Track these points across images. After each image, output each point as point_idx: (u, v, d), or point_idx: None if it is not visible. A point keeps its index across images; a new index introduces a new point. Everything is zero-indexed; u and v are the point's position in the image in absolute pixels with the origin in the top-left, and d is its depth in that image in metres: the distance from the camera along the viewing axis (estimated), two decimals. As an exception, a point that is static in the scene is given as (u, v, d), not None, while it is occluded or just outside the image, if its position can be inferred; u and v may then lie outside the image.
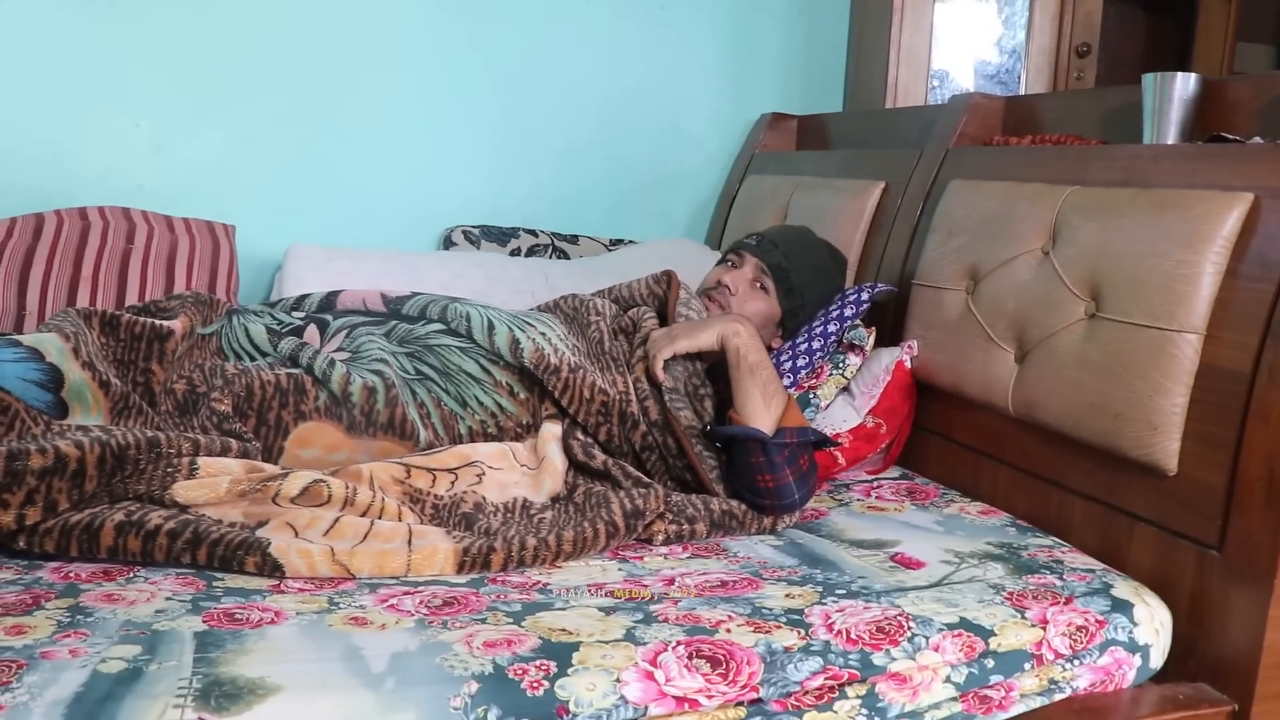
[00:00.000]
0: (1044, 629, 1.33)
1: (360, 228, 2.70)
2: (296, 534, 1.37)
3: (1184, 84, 1.66)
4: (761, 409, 1.65)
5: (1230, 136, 1.58)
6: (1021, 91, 2.83)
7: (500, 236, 2.71)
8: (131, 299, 2.20)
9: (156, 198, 2.48)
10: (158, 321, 1.65)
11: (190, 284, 2.29)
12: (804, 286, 2.02)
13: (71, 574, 1.29)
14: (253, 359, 1.71)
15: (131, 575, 1.30)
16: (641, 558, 1.49)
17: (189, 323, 1.70)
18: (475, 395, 1.71)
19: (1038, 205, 1.73)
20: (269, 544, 1.32)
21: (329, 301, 1.88)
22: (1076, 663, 1.34)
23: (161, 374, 1.62)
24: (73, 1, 2.41)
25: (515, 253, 2.68)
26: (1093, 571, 1.48)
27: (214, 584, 1.29)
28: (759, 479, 1.61)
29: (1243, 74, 2.71)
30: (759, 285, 2.02)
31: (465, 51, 2.72)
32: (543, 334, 1.76)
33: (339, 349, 1.75)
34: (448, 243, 2.69)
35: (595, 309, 1.88)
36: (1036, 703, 1.32)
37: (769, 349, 2.04)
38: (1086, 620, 1.36)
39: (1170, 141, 1.68)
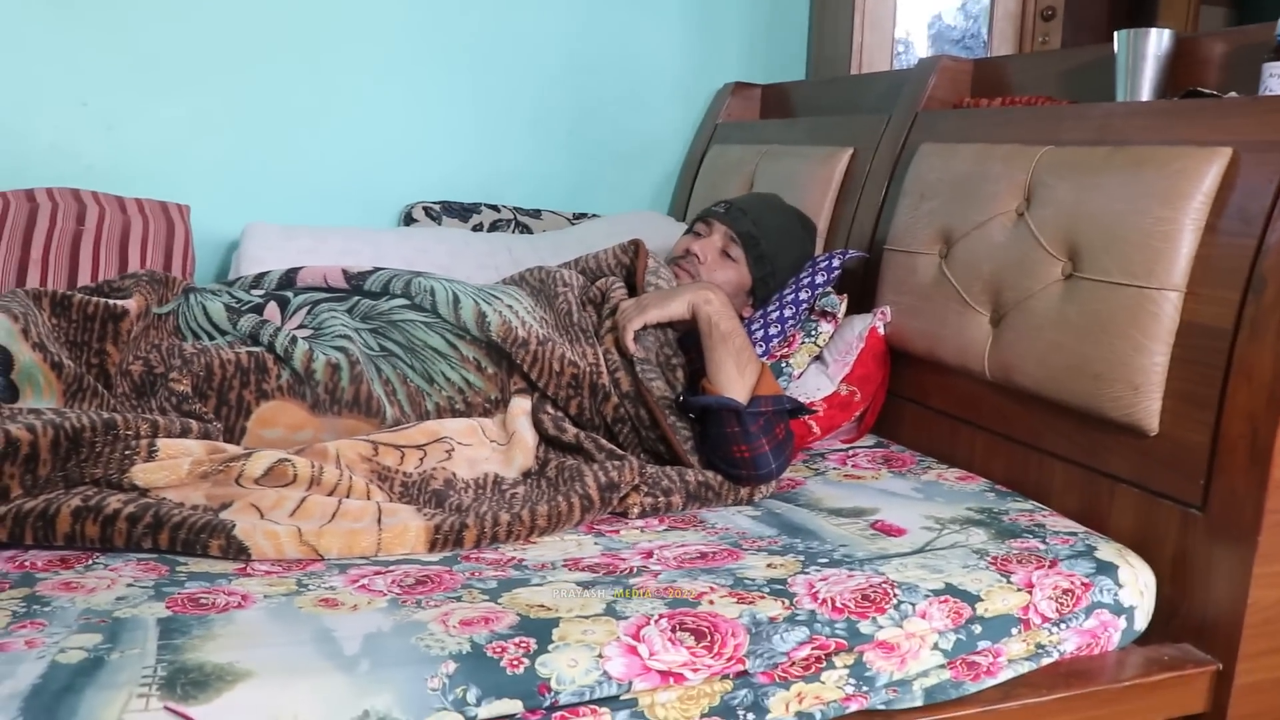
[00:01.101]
0: (1030, 593, 1.31)
1: (319, 206, 2.63)
2: (262, 515, 1.32)
3: (1157, 40, 1.64)
4: (735, 378, 1.62)
5: (1207, 91, 1.56)
6: (988, 55, 2.80)
7: (462, 212, 2.66)
8: (84, 281, 2.13)
9: (108, 178, 2.41)
10: (111, 301, 1.59)
11: (145, 265, 2.22)
12: (774, 253, 1.99)
13: (27, 563, 1.24)
14: (211, 338, 1.66)
15: (90, 562, 1.25)
16: (618, 531, 1.46)
17: (144, 302, 1.64)
18: (442, 371, 1.67)
19: (1011, 166, 1.71)
20: (234, 526, 1.27)
21: (289, 279, 1.83)
22: (1063, 626, 1.32)
23: (116, 355, 1.56)
24: (15, -24, 2.33)
25: (478, 228, 2.63)
26: (1075, 534, 1.46)
27: (177, 569, 1.24)
28: (734, 449, 1.58)
29: (1213, 30, 2.71)
30: (728, 254, 1.99)
31: (424, 25, 2.66)
32: (509, 306, 1.71)
33: (300, 326, 1.70)
34: (408, 219, 2.64)
35: (562, 280, 1.84)
36: (1024, 668, 1.30)
37: (741, 318, 2.01)
38: (1072, 583, 1.34)
39: (1144, 99, 1.66)
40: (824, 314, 1.95)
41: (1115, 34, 1.69)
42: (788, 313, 1.94)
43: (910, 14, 2.79)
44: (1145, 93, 1.65)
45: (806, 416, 1.79)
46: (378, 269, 1.85)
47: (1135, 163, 1.51)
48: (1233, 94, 1.53)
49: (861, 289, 2.04)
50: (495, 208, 2.69)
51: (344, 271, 1.84)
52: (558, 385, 1.66)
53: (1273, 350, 1.30)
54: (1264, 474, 1.30)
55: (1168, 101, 1.60)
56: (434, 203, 2.66)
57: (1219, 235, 1.40)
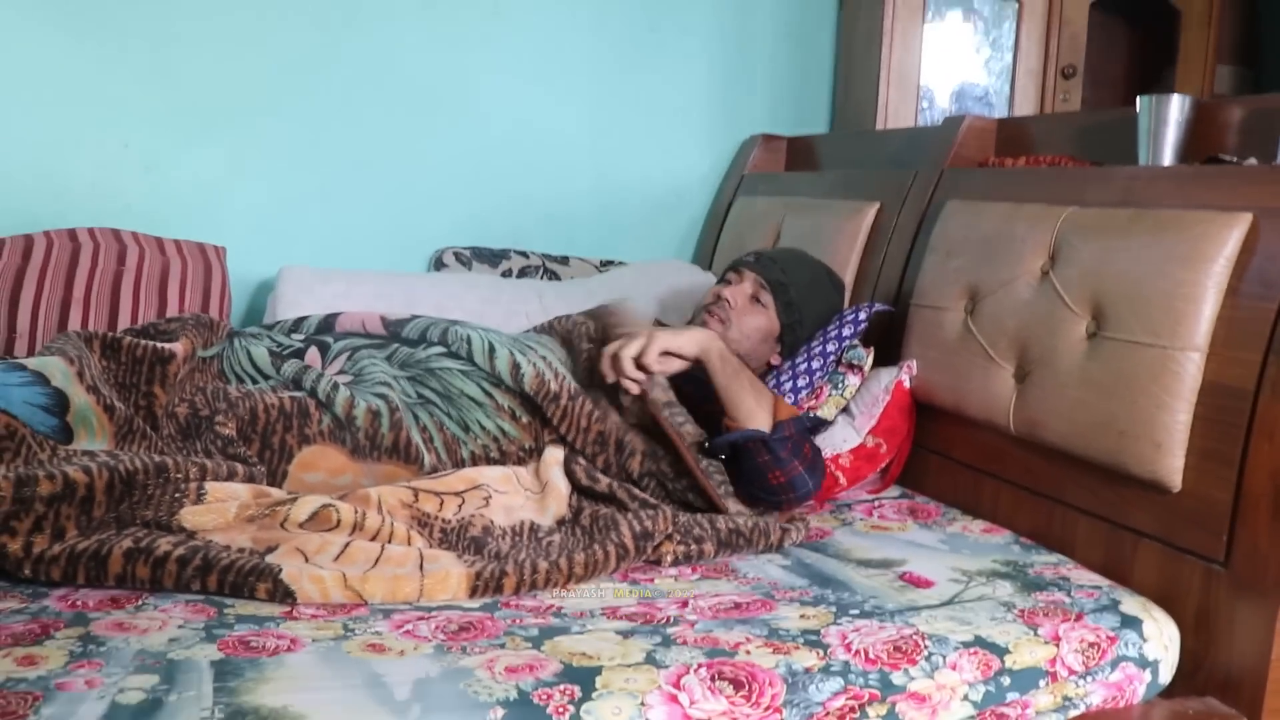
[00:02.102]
0: (1057, 646, 1.33)
1: (350, 249, 2.68)
2: (307, 559, 1.36)
3: (1179, 106, 1.68)
4: (755, 409, 1.68)
5: (1227, 158, 1.60)
6: (1009, 113, 2.86)
7: (491, 258, 2.71)
8: (124, 321, 2.18)
9: (146, 218, 2.46)
10: (159, 344, 1.64)
11: (183, 305, 2.27)
12: (802, 302, 2.04)
13: (79, 602, 1.27)
14: (255, 382, 1.70)
15: (140, 603, 1.28)
16: (652, 579, 1.49)
17: (190, 345, 1.69)
18: (478, 419, 1.70)
19: (1036, 226, 1.75)
20: (280, 570, 1.31)
21: (328, 323, 1.88)
22: (1089, 679, 1.35)
23: (163, 397, 1.60)
24: (60, 21, 2.39)
25: (507, 274, 2.68)
26: (1099, 588, 1.49)
27: (225, 611, 1.27)
28: (770, 477, 1.63)
29: (1229, 96, 2.76)
30: (758, 299, 2.04)
31: (455, 74, 2.72)
32: (543, 358, 1.75)
33: (341, 371, 1.74)
34: (438, 264, 2.69)
35: (588, 334, 1.88)
36: (1052, 719, 1.33)
37: (769, 366, 2.06)
38: (1098, 636, 1.37)
39: (1166, 162, 1.70)
40: (851, 366, 1.99)
41: (1138, 99, 1.74)
42: (815, 364, 1.98)
43: (934, 69, 2.84)
44: (1167, 157, 1.70)
45: (833, 467, 1.82)
46: (415, 316, 1.89)
47: (1158, 226, 1.55)
48: (1252, 160, 1.57)
49: (888, 342, 2.07)
50: (524, 254, 2.74)
51: (382, 318, 1.88)
52: (584, 440, 1.70)
53: (1295, 412, 1.33)
54: (1286, 532, 1.33)
55: (1189, 167, 1.64)
56: (464, 248, 2.71)
57: (1240, 298, 1.44)
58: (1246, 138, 1.67)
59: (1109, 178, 1.73)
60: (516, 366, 1.72)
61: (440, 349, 1.79)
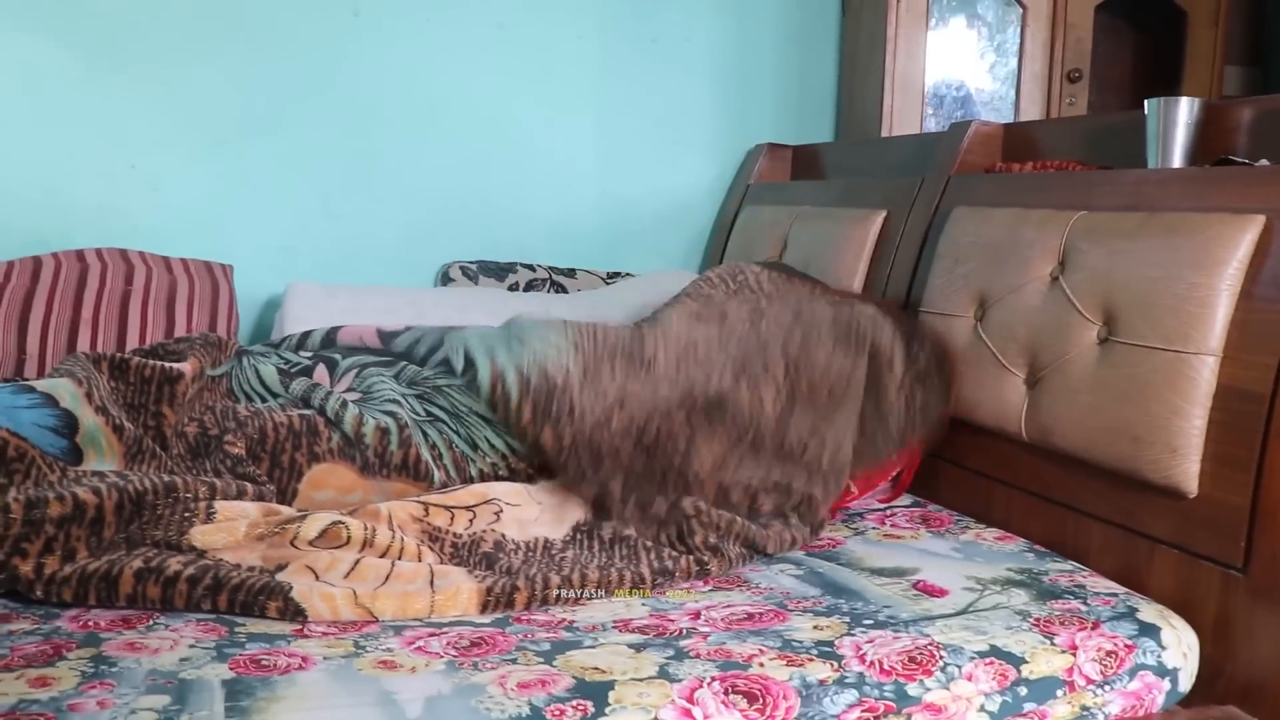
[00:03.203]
0: (1074, 655, 1.32)
1: (357, 265, 2.69)
2: (317, 577, 1.35)
3: (1188, 108, 1.67)
4: None
5: (1238, 159, 1.59)
6: (1014, 118, 2.85)
7: (498, 272, 2.71)
8: (132, 341, 2.18)
9: (152, 238, 2.48)
10: (167, 364, 1.64)
11: (190, 324, 2.28)
12: None
13: (90, 622, 1.27)
14: (264, 400, 1.70)
15: (151, 623, 1.28)
16: (663, 592, 1.48)
17: (198, 365, 1.68)
18: (486, 437, 1.70)
19: (1045, 231, 1.74)
20: (291, 588, 1.30)
21: (330, 338, 1.88)
22: (1107, 688, 1.33)
23: (172, 417, 1.60)
24: (65, 42, 2.41)
25: (513, 287, 2.68)
26: (1115, 595, 1.48)
27: (236, 630, 1.27)
28: None
29: (1240, 97, 2.75)
30: None
31: (459, 88, 2.73)
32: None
33: (349, 389, 1.74)
34: (445, 279, 2.69)
35: None
36: (1070, 730, 1.31)
37: None
38: (1115, 645, 1.35)
39: (1175, 165, 1.69)
40: (860, 374, 1.98)
41: (1146, 102, 1.73)
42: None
43: (939, 75, 2.84)
44: (1176, 159, 1.69)
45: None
46: (409, 327, 1.89)
47: (1169, 229, 1.54)
48: (1264, 161, 1.56)
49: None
50: (531, 267, 2.74)
51: (378, 331, 1.88)
52: None
53: (1311, 415, 1.32)
54: (1305, 537, 1.32)
55: (1200, 169, 1.63)
56: (470, 262, 2.72)
57: (1254, 301, 1.42)
58: (1257, 138, 1.66)
59: (1118, 181, 1.72)
60: (500, 373, 1.69)
61: (441, 367, 1.78)
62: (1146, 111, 1.73)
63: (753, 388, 1.69)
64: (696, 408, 1.65)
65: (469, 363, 1.72)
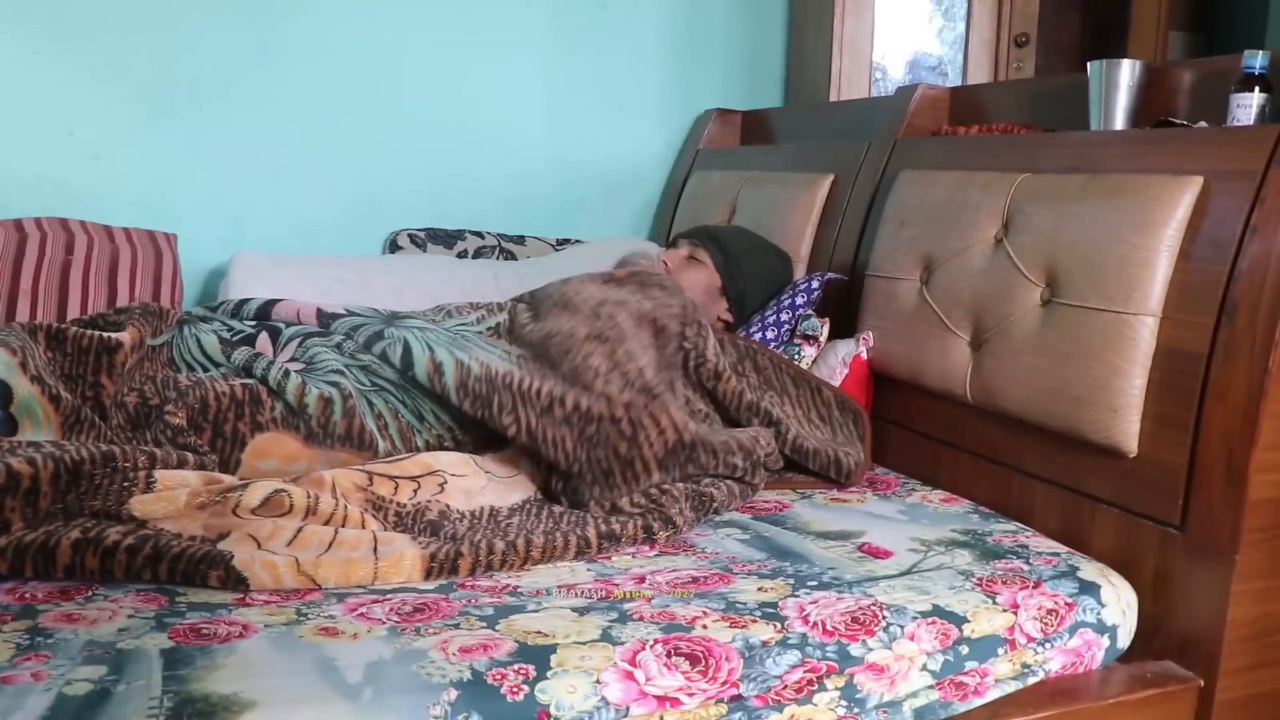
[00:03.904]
0: (1015, 614, 1.34)
1: (304, 233, 2.66)
2: (259, 545, 1.34)
3: (1130, 71, 1.68)
4: None
5: (1178, 121, 1.60)
6: (963, 82, 2.85)
7: (446, 239, 2.68)
8: (74, 311, 2.15)
9: (95, 207, 2.43)
10: (105, 334, 1.61)
11: (134, 294, 2.24)
12: (738, 254, 2.13)
13: (27, 594, 1.25)
14: (205, 370, 1.68)
15: (90, 594, 1.26)
16: (609, 557, 1.47)
17: (138, 334, 1.66)
18: (432, 409, 1.68)
19: (989, 193, 1.75)
20: (232, 557, 1.29)
21: (265, 310, 1.85)
22: (1048, 646, 1.35)
23: (111, 387, 1.58)
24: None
25: (462, 255, 2.66)
26: (1057, 555, 1.50)
27: (176, 599, 1.25)
28: None
29: (1182, 60, 2.77)
30: (694, 258, 2.15)
31: (406, 55, 2.69)
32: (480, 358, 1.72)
33: (293, 359, 1.72)
34: (393, 246, 2.66)
35: None
36: (1010, 687, 1.33)
37: (722, 322, 2.10)
38: (1056, 603, 1.37)
39: (1118, 127, 1.70)
40: (806, 338, 1.99)
41: (1089, 65, 1.74)
42: (770, 334, 1.97)
43: (887, 40, 2.83)
44: (1119, 121, 1.70)
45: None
46: (350, 313, 1.84)
47: (1111, 191, 1.55)
48: (1203, 124, 1.57)
49: (844, 313, 2.07)
50: (479, 234, 2.72)
51: (318, 311, 1.84)
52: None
53: (1246, 373, 1.34)
54: (1240, 494, 1.34)
55: (1140, 131, 1.65)
56: (419, 230, 2.69)
57: (1192, 262, 1.44)
58: (1198, 101, 1.67)
59: (1061, 143, 1.73)
60: (439, 366, 1.67)
61: (374, 354, 1.74)
62: (1089, 74, 1.74)
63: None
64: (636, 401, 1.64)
65: (407, 352, 1.70)
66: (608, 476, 1.57)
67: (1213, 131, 1.51)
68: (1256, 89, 1.46)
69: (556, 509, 1.58)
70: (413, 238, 2.66)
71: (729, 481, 1.67)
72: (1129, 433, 1.48)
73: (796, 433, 1.78)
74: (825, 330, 1.99)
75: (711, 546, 1.52)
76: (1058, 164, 1.69)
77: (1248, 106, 1.47)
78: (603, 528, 1.49)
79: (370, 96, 2.68)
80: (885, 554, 1.49)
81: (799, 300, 2.01)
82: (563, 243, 2.79)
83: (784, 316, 1.99)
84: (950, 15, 2.86)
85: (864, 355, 1.95)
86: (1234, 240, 1.38)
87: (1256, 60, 1.47)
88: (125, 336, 1.62)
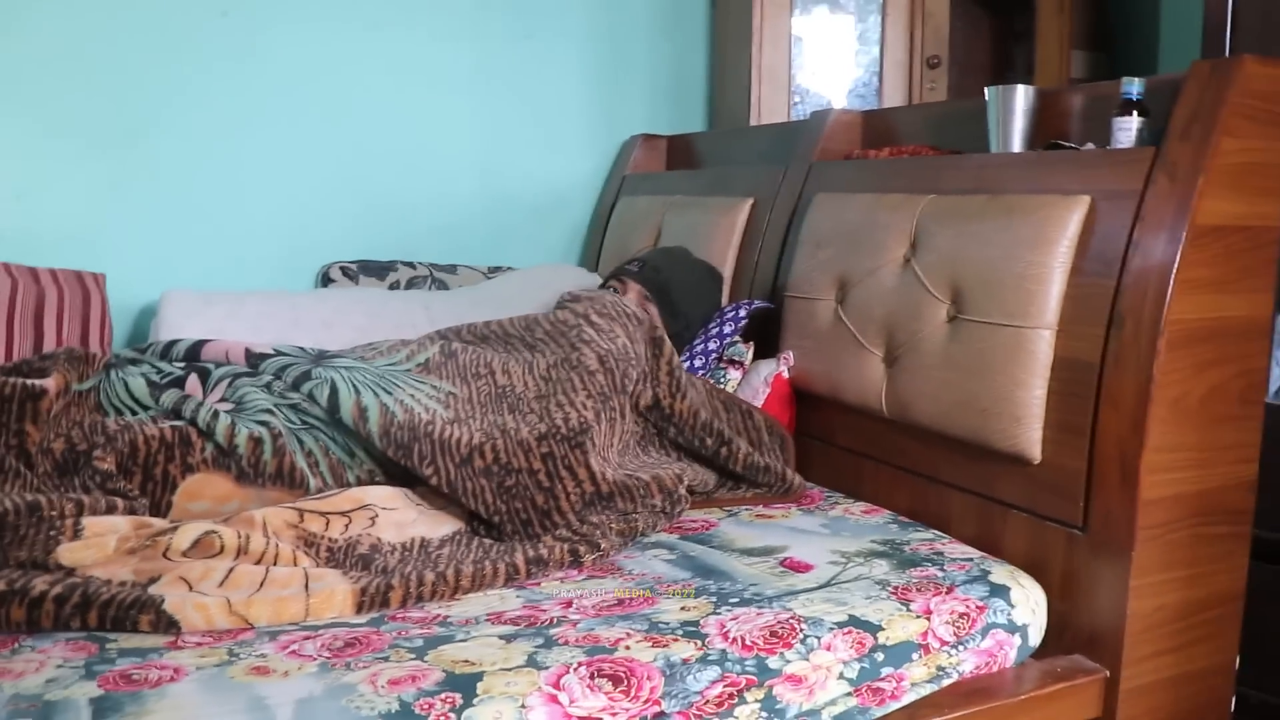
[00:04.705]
0: (928, 619, 1.39)
1: (235, 269, 2.66)
2: (191, 587, 1.35)
3: (1024, 96, 1.76)
4: None
5: (1066, 144, 1.68)
6: (879, 104, 2.93)
7: (378, 270, 2.71)
8: (-1, 357, 2.14)
9: (18, 248, 2.41)
10: (29, 381, 1.61)
11: (61, 337, 2.24)
12: (688, 306, 2.10)
13: (-48, 650, 1.26)
14: (134, 413, 1.69)
15: (17, 646, 1.25)
16: (538, 583, 1.51)
17: (63, 380, 1.66)
18: (363, 445, 1.71)
19: (898, 214, 1.81)
20: (163, 600, 1.30)
21: (194, 351, 1.86)
22: (961, 648, 1.41)
23: (36, 434, 1.58)
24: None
25: (394, 286, 2.68)
26: (971, 560, 1.55)
27: (107, 646, 1.26)
28: None
29: (1072, 84, 2.87)
30: (643, 309, 2.09)
31: (332, 88, 2.72)
32: (412, 396, 1.75)
33: (222, 399, 1.73)
34: (325, 279, 2.68)
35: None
36: (926, 690, 1.38)
37: None
38: (967, 607, 1.43)
39: (1015, 149, 1.77)
40: (732, 362, 2.04)
41: (986, 90, 1.81)
42: (698, 363, 2.02)
43: (805, 64, 2.91)
44: (1016, 144, 1.77)
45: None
46: (279, 353, 1.86)
47: (1007, 210, 1.62)
48: (1090, 145, 1.65)
49: (766, 334, 2.13)
50: (411, 265, 2.74)
51: (246, 351, 1.86)
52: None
53: (1134, 380, 1.41)
54: (1133, 494, 1.41)
55: (1034, 153, 1.72)
56: (351, 262, 2.71)
57: (1083, 276, 1.51)
58: (1088, 124, 1.74)
59: (963, 165, 1.80)
60: (364, 411, 1.70)
61: (301, 394, 1.77)
62: (987, 99, 1.81)
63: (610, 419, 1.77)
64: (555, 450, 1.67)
65: (334, 394, 1.73)
66: (526, 526, 1.61)
67: (1097, 153, 1.59)
68: (1135, 113, 1.54)
69: (486, 540, 1.61)
70: (345, 270, 2.68)
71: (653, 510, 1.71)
72: (1032, 440, 1.54)
73: (747, 451, 1.82)
74: (749, 354, 2.05)
75: (638, 568, 1.56)
76: (960, 185, 1.76)
77: (1128, 130, 1.54)
78: (530, 554, 1.52)
79: (299, 129, 2.69)
80: (806, 568, 1.53)
81: (726, 329, 2.06)
82: (494, 270, 2.82)
83: (711, 345, 2.05)
84: (865, 39, 2.94)
85: (785, 374, 2.01)
86: (1119, 255, 1.46)
87: (1134, 87, 1.55)
88: (50, 383, 1.63)
